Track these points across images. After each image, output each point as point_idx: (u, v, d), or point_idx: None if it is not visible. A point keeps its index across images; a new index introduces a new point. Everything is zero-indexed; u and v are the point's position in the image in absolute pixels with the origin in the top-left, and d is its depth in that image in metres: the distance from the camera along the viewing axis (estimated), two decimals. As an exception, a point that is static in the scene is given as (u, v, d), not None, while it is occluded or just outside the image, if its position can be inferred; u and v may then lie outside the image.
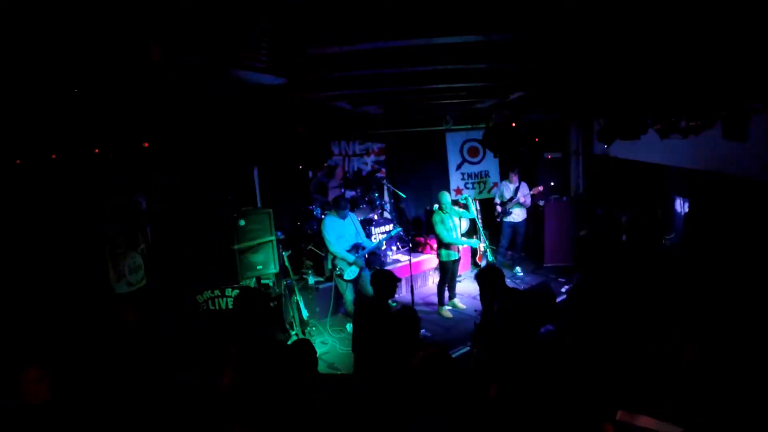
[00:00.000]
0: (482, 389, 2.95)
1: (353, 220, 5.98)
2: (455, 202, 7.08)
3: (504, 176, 8.06)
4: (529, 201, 7.66)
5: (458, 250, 6.46)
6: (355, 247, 5.85)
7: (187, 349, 4.11)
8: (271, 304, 5.46)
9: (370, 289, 4.57)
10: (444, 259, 6.35)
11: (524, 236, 7.91)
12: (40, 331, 3.68)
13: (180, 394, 3.16)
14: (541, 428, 2.53)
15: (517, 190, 7.58)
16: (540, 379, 2.71)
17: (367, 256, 6.02)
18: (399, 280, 4.07)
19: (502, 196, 7.72)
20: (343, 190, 7.62)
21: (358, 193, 7.78)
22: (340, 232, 5.80)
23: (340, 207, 5.82)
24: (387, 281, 3.90)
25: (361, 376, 3.38)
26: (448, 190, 8.19)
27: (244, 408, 2.81)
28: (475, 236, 7.34)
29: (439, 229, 6.23)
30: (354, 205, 7.33)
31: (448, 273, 6.43)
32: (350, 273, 5.77)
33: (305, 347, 2.87)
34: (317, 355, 2.95)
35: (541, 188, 7.66)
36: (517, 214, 7.66)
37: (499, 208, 7.69)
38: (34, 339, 3.53)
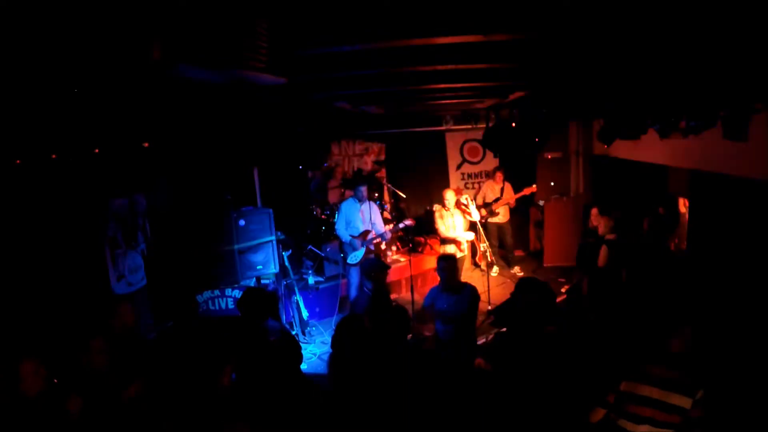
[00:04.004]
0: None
1: (370, 207, 6.07)
2: (458, 203, 7.08)
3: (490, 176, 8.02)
4: (513, 202, 7.63)
5: (460, 247, 6.40)
6: (364, 234, 5.88)
7: (186, 349, 4.11)
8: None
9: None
10: None
11: (513, 236, 7.90)
12: (39, 330, 3.68)
13: (180, 394, 3.16)
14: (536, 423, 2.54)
15: (502, 190, 7.56)
16: (539, 377, 2.71)
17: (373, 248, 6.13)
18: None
19: (485, 196, 7.69)
20: (343, 190, 7.62)
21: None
22: (353, 217, 5.93)
23: (352, 188, 6.07)
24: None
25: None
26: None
27: (245, 408, 2.81)
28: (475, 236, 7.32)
29: (438, 224, 6.33)
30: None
31: None
32: (353, 257, 5.82)
33: (291, 344, 2.87)
34: (318, 355, 2.95)
35: (534, 188, 7.64)
36: (503, 215, 7.66)
37: (483, 210, 7.53)
38: (33, 337, 3.52)
